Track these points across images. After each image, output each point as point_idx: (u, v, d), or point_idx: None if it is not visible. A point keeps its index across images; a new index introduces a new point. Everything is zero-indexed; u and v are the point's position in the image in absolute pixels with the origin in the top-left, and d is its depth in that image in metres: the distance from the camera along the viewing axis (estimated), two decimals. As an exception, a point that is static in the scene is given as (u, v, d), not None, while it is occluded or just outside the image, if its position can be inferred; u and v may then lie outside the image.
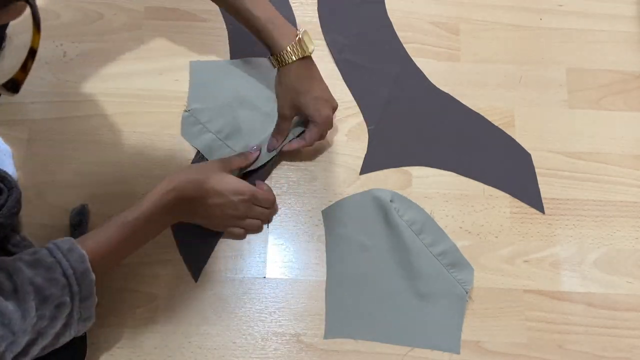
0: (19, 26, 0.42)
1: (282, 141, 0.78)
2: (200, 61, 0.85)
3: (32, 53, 0.43)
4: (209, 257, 0.77)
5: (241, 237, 0.77)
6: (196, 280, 0.75)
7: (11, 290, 0.51)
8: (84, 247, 0.58)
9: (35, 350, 0.54)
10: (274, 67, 0.74)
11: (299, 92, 0.73)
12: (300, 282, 0.77)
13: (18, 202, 0.70)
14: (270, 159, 0.79)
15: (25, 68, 0.43)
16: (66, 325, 0.57)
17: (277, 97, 0.77)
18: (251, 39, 0.87)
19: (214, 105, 0.81)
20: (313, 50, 0.73)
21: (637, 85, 0.89)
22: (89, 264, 0.57)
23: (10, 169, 0.76)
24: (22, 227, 0.74)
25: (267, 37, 0.72)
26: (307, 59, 0.73)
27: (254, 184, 0.77)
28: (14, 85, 0.43)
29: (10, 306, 0.49)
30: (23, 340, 0.51)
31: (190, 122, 0.81)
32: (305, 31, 0.72)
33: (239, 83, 0.83)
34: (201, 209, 0.71)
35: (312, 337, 0.74)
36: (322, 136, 0.78)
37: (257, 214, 0.76)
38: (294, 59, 0.71)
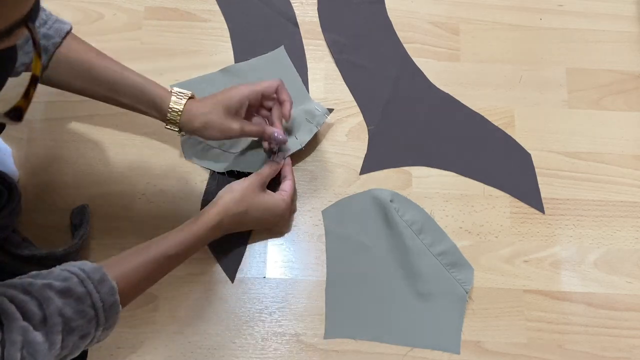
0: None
1: (283, 133, 0.75)
2: (179, 83, 0.83)
3: (34, 80, 0.41)
4: (242, 258, 0.77)
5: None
6: (232, 281, 0.76)
7: (40, 320, 0.50)
8: (112, 275, 0.56)
9: None
10: (178, 132, 0.70)
11: (216, 106, 0.69)
12: (300, 282, 0.77)
13: (18, 203, 0.70)
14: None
15: (27, 95, 0.42)
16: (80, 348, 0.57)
17: (217, 135, 0.71)
18: (253, 39, 0.87)
19: None
20: (193, 94, 0.70)
21: (637, 85, 0.89)
22: (118, 297, 0.56)
23: (10, 169, 0.76)
24: (22, 228, 0.74)
25: (151, 95, 0.68)
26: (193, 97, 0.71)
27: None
28: (17, 114, 0.42)
29: (39, 337, 0.49)
30: None
31: (191, 143, 0.80)
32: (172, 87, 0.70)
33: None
34: (241, 229, 0.75)
35: (312, 337, 0.75)
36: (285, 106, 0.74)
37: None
38: (184, 100, 0.68)
